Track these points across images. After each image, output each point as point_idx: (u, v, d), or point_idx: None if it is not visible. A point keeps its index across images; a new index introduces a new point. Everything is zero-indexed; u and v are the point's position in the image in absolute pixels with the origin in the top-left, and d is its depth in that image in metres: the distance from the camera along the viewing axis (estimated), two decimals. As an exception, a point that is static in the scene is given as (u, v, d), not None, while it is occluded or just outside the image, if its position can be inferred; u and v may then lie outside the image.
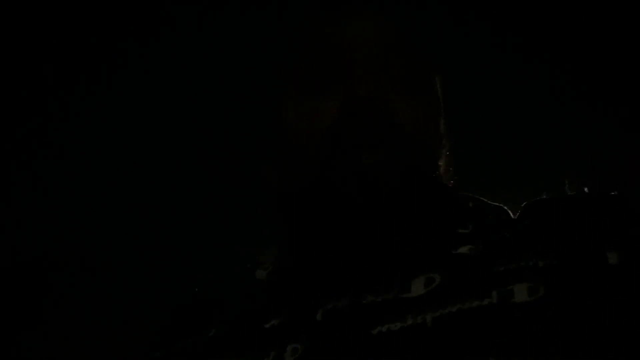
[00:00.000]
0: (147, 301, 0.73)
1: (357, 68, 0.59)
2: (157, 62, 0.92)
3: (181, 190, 0.83)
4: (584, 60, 0.90)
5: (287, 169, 0.63)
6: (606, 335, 0.41)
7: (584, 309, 0.43)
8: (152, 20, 0.92)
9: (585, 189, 0.62)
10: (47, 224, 0.88)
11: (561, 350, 0.40)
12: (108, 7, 0.94)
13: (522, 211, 0.61)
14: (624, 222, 0.52)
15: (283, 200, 0.64)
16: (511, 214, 0.62)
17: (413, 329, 0.46)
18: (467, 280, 0.49)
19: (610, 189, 0.58)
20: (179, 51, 0.89)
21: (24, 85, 0.96)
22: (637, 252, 0.47)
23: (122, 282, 0.80)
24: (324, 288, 0.55)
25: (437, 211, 0.61)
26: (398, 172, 0.57)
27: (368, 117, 0.57)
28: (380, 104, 0.58)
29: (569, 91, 0.89)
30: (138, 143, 0.90)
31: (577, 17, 0.92)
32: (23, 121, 0.95)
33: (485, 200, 0.65)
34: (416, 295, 0.50)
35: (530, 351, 0.40)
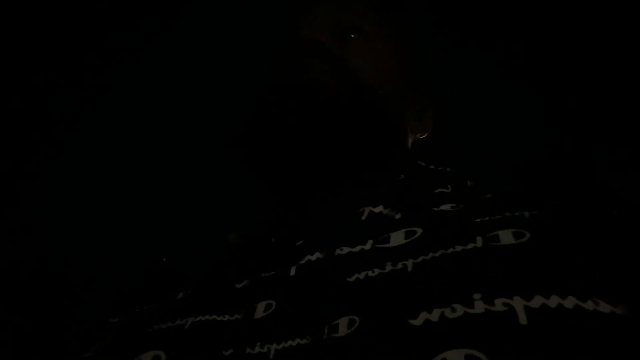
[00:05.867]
0: (117, 266, 0.70)
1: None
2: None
3: (154, 157, 0.80)
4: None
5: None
6: (591, 272, 0.39)
7: (569, 250, 0.41)
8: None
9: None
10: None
11: (548, 286, 0.38)
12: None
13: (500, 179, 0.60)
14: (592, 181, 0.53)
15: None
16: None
17: (393, 275, 0.44)
18: (450, 230, 0.47)
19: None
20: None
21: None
22: (606, 204, 0.47)
23: (89, 246, 0.77)
24: (296, 244, 0.54)
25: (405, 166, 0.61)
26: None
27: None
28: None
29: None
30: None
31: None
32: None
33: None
34: (396, 245, 0.48)
35: (516, 287, 0.38)
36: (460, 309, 0.38)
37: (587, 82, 0.82)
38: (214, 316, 0.50)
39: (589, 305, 0.37)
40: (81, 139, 0.89)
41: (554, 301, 0.37)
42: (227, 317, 0.49)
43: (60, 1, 0.90)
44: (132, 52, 0.90)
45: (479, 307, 0.38)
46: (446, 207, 0.53)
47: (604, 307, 0.37)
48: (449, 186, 0.57)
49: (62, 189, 0.84)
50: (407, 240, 0.48)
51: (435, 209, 0.53)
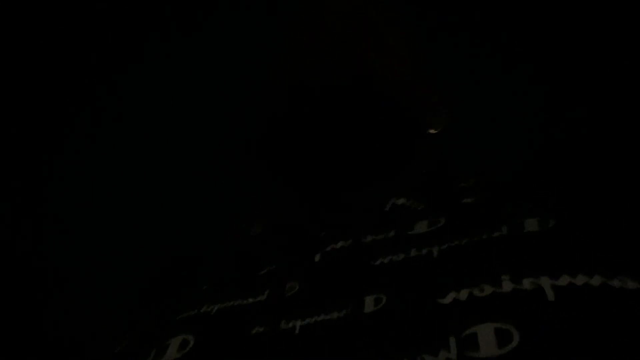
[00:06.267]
0: (136, 260, 0.71)
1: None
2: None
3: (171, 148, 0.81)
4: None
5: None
6: (617, 253, 0.41)
7: (594, 234, 0.42)
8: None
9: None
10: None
11: (574, 267, 0.39)
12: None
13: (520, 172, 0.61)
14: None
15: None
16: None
17: (418, 259, 0.45)
18: (474, 219, 0.48)
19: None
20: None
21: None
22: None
23: (110, 240, 0.78)
24: (320, 235, 0.55)
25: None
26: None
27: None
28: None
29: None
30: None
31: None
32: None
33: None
34: (420, 232, 0.49)
35: (543, 269, 0.39)
36: (488, 289, 0.39)
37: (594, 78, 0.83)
38: (239, 301, 0.51)
39: (615, 283, 0.38)
40: (96, 132, 0.90)
41: (580, 280, 0.38)
42: (251, 300, 0.50)
43: (61, 1, 0.91)
44: (143, 43, 0.91)
45: (507, 286, 0.39)
46: (468, 200, 0.54)
47: (632, 285, 0.38)
48: (470, 180, 0.59)
49: (80, 180, 0.85)
50: (430, 229, 0.49)
51: (458, 202, 0.54)
